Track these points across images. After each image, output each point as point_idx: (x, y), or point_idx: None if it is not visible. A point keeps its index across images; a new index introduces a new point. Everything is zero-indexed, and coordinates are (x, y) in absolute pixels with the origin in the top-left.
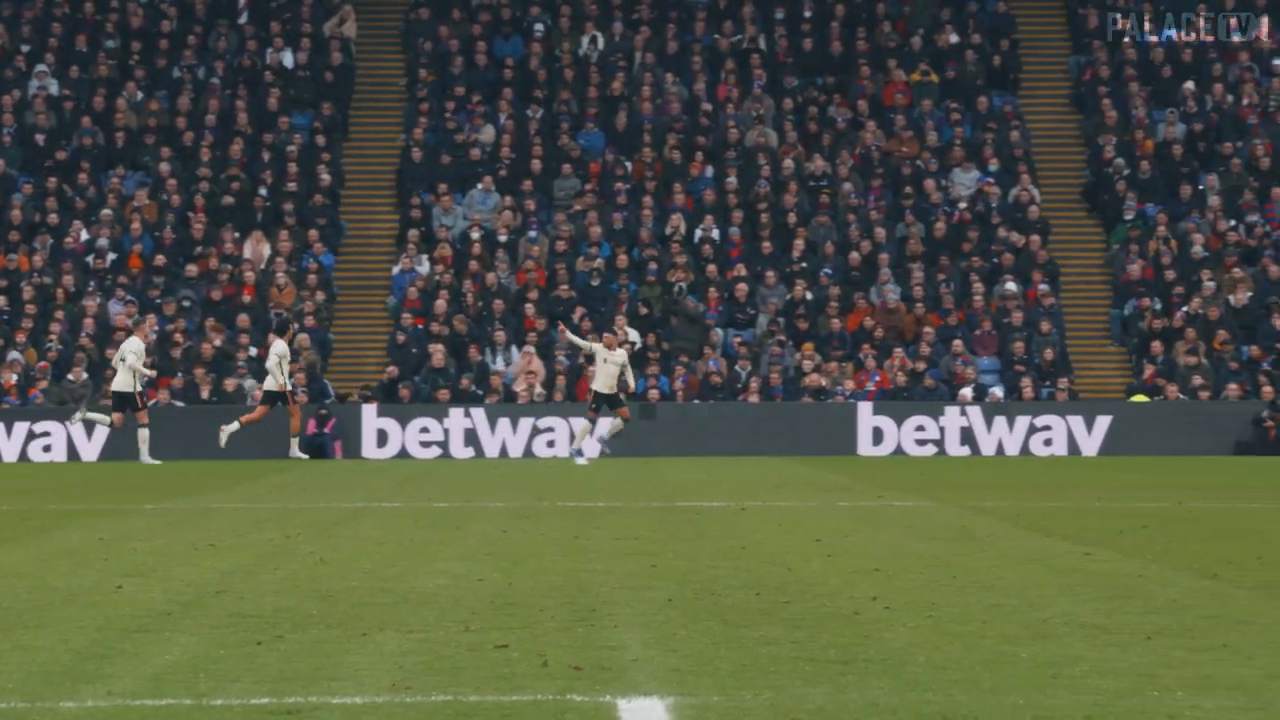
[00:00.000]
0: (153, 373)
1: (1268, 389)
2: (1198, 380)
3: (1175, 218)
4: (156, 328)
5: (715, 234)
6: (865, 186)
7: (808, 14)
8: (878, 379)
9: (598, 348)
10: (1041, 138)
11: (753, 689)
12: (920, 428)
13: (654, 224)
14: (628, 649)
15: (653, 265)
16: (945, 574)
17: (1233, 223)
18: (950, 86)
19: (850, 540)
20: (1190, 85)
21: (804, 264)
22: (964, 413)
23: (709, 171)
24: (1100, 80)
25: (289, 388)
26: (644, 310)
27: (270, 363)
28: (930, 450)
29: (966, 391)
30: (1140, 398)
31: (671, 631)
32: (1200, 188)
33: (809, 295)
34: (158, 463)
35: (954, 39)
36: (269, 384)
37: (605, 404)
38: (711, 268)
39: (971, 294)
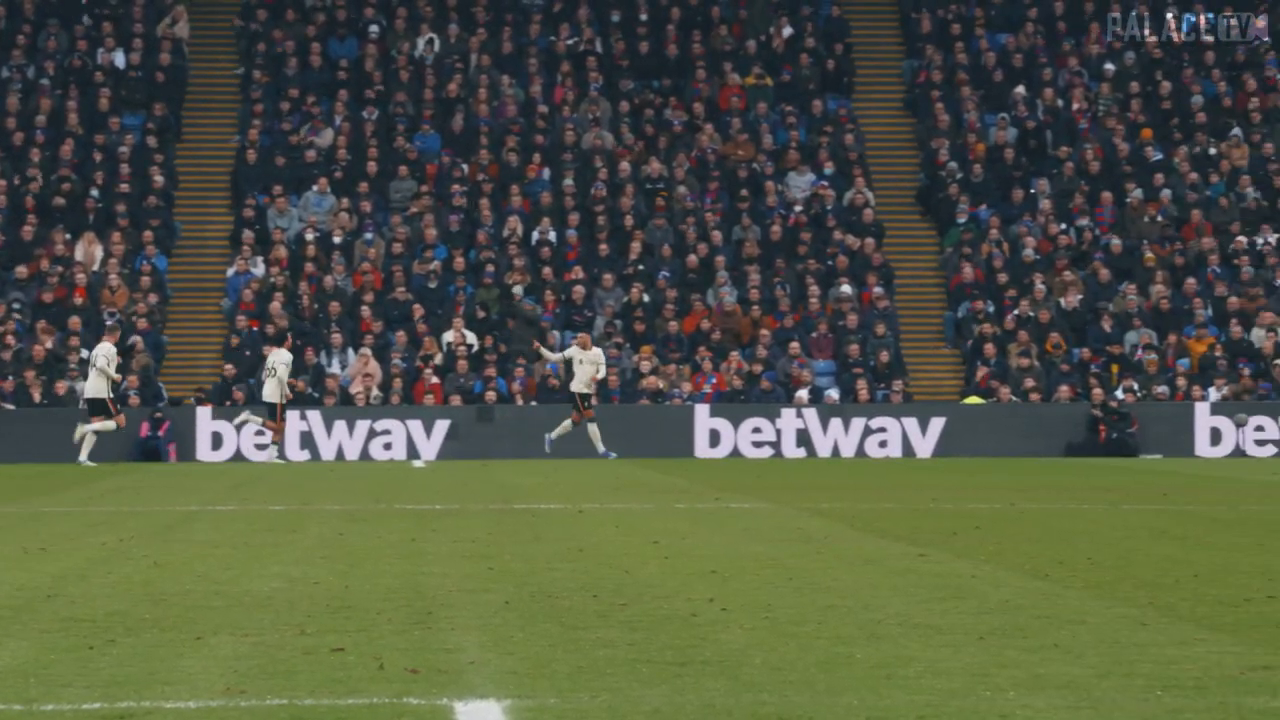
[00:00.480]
0: (119, 376)
1: (1098, 391)
2: (1029, 382)
3: (1007, 221)
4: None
5: (552, 236)
6: (702, 189)
7: (644, 17)
8: (714, 381)
9: (572, 351)
10: (875, 141)
11: (590, 691)
12: (757, 430)
13: (491, 226)
14: (465, 651)
15: (490, 268)
16: (781, 575)
17: (1063, 226)
18: (785, 90)
19: (687, 542)
20: (1021, 90)
21: (641, 266)
22: (800, 415)
23: (546, 174)
24: (933, 84)
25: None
26: (481, 313)
27: (267, 369)
28: (767, 452)
29: (803, 394)
30: (973, 400)
31: (508, 634)
32: (1031, 191)
33: (646, 298)
34: (94, 465)
35: (788, 30)
36: (268, 393)
37: (583, 402)
38: (548, 270)
39: (807, 296)
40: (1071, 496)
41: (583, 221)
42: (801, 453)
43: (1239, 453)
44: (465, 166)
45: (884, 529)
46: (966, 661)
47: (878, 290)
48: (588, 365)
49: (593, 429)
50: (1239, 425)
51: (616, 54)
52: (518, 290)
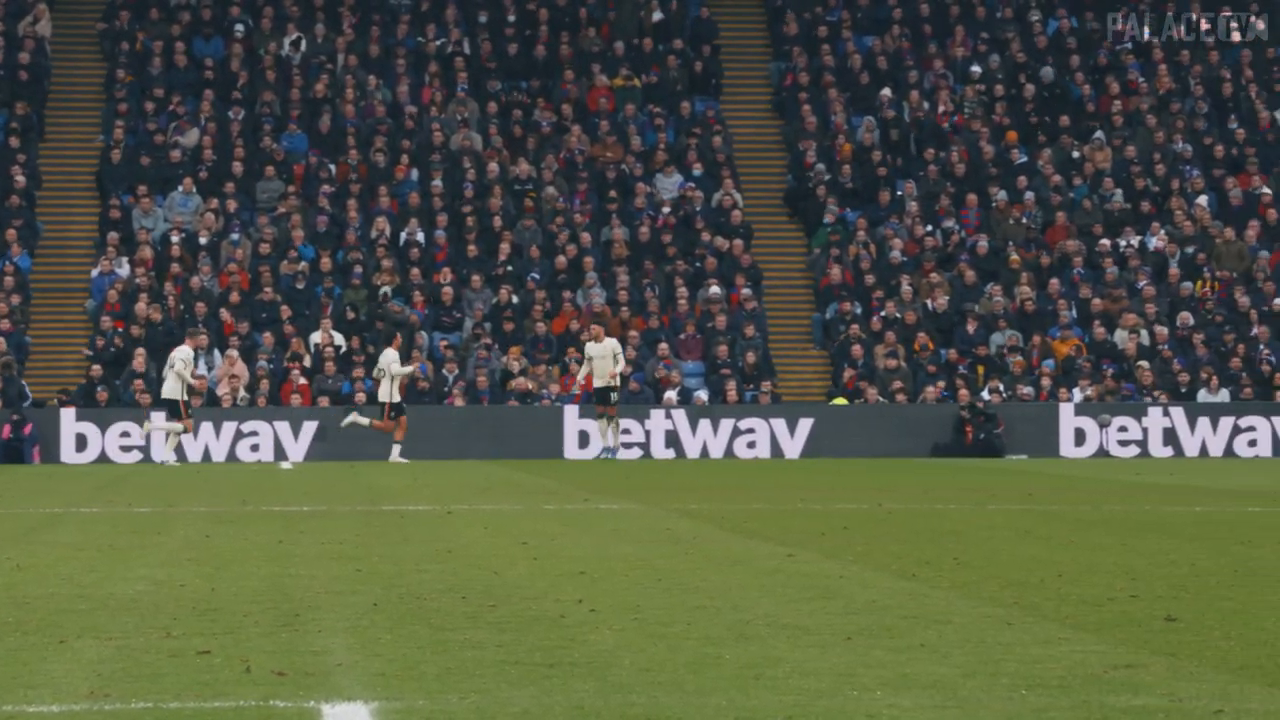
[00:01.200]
0: (199, 381)
1: (964, 392)
2: (897, 383)
3: (874, 223)
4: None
5: (421, 237)
6: (570, 190)
7: (511, 18)
8: (583, 382)
9: (588, 348)
10: (744, 143)
11: (458, 693)
12: (626, 431)
13: (359, 227)
14: (332, 654)
15: (358, 268)
16: (650, 576)
17: (930, 228)
18: (653, 91)
19: (556, 543)
20: (887, 92)
21: (510, 267)
22: (669, 415)
23: (414, 175)
24: (800, 86)
25: (395, 399)
26: (350, 314)
27: (378, 371)
28: (635, 453)
29: (671, 395)
30: (840, 401)
31: (376, 636)
32: (898, 193)
33: (515, 299)
34: (176, 463)
35: (658, 15)
36: (382, 394)
37: (604, 397)
38: (416, 271)
39: (676, 298)
40: (938, 497)
41: (451, 222)
42: (670, 453)
43: (1102, 453)
44: (333, 167)
45: (753, 529)
46: (834, 661)
47: (746, 291)
48: (603, 359)
49: (601, 424)
50: (1102, 426)
51: (484, 55)
52: (385, 291)
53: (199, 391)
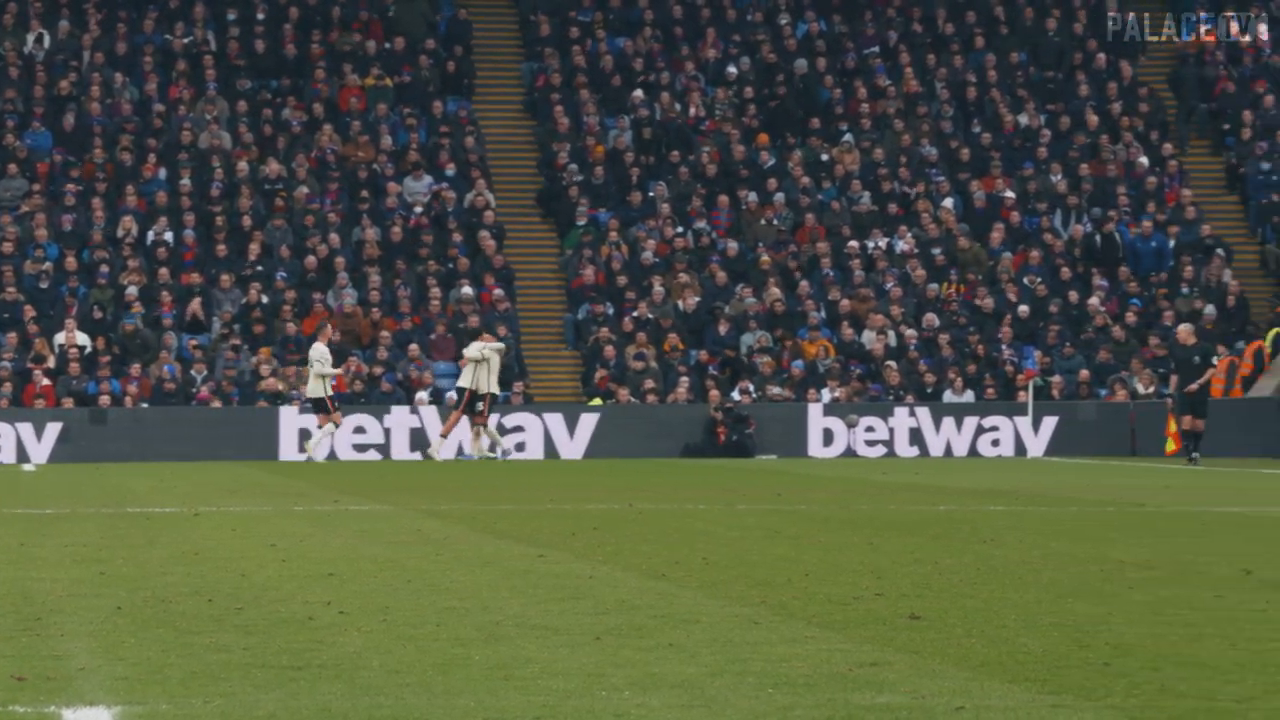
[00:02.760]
0: (338, 371)
1: (715, 392)
2: (648, 384)
3: (626, 223)
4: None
5: (169, 236)
6: (321, 190)
7: (260, 16)
8: (334, 383)
9: (476, 351)
10: (496, 143)
11: (203, 696)
12: (359, 430)
13: (105, 226)
14: (74, 658)
15: (104, 268)
16: (400, 578)
17: (681, 229)
18: (405, 91)
19: (305, 545)
20: (639, 93)
21: (259, 267)
22: (416, 414)
23: (162, 173)
24: (552, 87)
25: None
26: (97, 314)
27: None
28: (374, 455)
29: (423, 395)
30: (593, 401)
31: (120, 639)
32: (650, 194)
33: (264, 298)
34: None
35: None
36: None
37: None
38: (164, 270)
39: (428, 298)
40: (688, 497)
41: (200, 221)
42: (417, 455)
43: (850, 453)
44: (79, 165)
45: (503, 530)
46: (583, 661)
47: (498, 292)
48: (489, 365)
49: (478, 431)
50: (850, 426)
51: (232, 53)
52: (132, 291)
53: None
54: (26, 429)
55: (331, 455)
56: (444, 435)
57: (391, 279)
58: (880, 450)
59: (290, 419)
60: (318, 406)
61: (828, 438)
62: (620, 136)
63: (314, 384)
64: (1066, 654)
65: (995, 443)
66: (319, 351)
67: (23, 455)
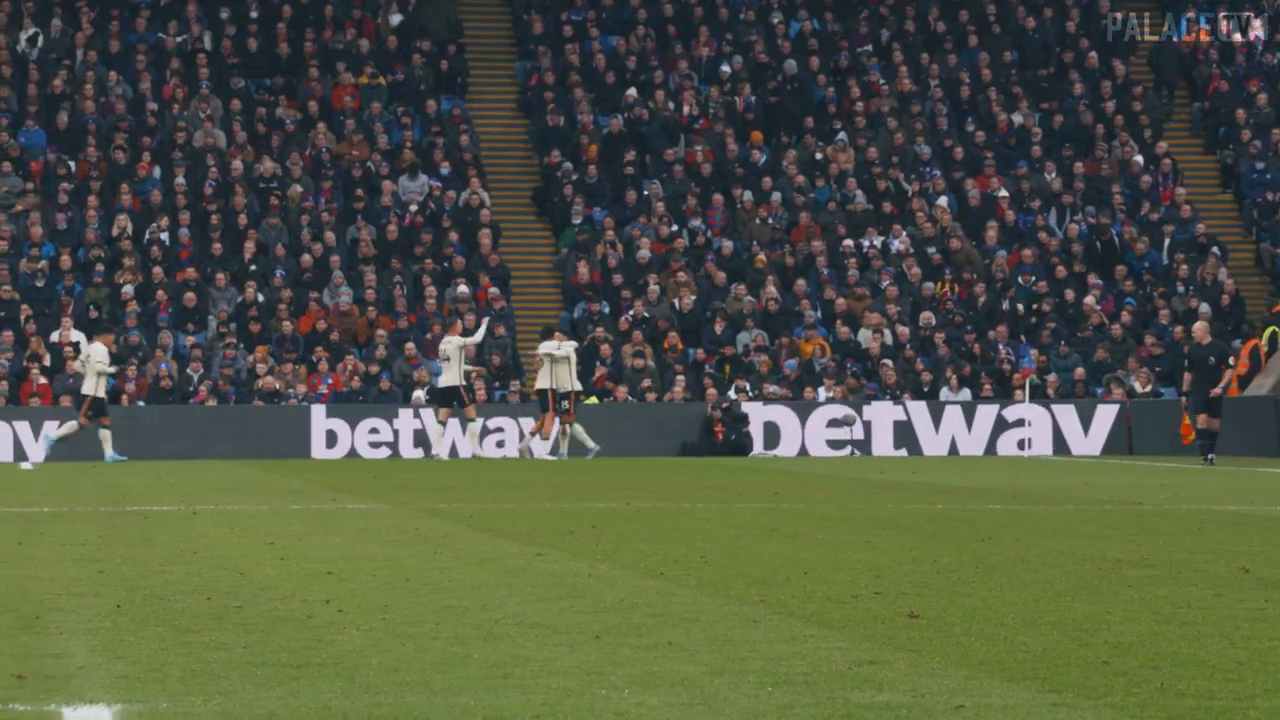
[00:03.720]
0: (481, 369)
1: (712, 391)
2: (645, 382)
3: (621, 222)
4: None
5: (165, 236)
6: (316, 188)
7: (254, 14)
8: (330, 381)
9: (548, 349)
10: (490, 142)
11: (203, 695)
12: (374, 430)
13: (100, 225)
14: (74, 656)
15: (100, 267)
16: (399, 576)
17: (676, 228)
18: (399, 89)
19: (304, 543)
20: (633, 92)
21: (255, 266)
22: (418, 415)
23: (156, 172)
24: (546, 85)
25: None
26: (92, 313)
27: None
28: (384, 452)
29: (419, 394)
30: (590, 399)
31: (120, 638)
32: (645, 193)
33: (260, 297)
34: (479, 452)
35: (397, 18)
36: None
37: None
38: (159, 269)
39: (424, 297)
40: (686, 495)
41: (195, 220)
42: (419, 453)
43: (847, 451)
44: (72, 164)
45: (501, 529)
46: (582, 660)
47: (494, 291)
48: (564, 362)
49: (563, 428)
50: (847, 425)
51: (226, 51)
52: (128, 290)
53: None
54: (24, 428)
55: (352, 452)
56: (545, 436)
57: (388, 278)
58: (876, 449)
59: (319, 419)
60: (449, 396)
61: (824, 437)
62: (614, 134)
63: (449, 373)
64: (1065, 652)
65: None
66: (454, 344)
67: (20, 454)
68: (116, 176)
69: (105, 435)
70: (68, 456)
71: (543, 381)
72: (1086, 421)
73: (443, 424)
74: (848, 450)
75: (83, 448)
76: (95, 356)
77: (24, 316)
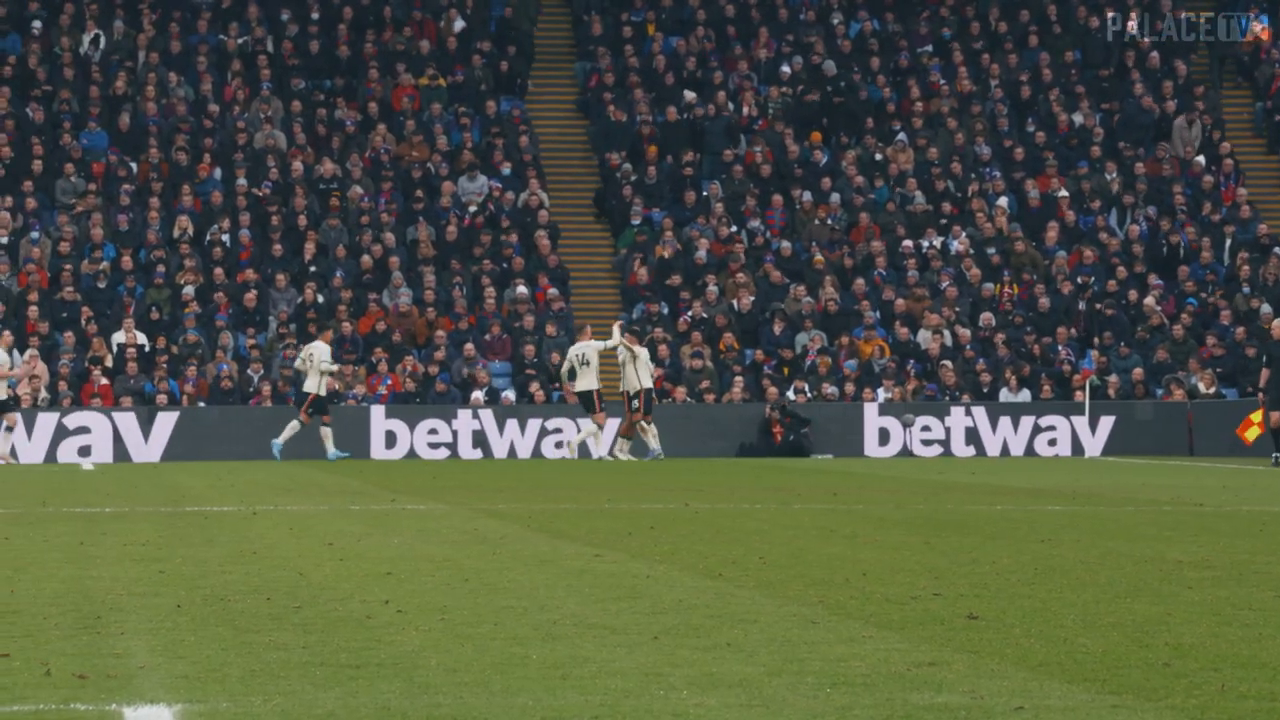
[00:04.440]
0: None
1: (772, 391)
2: (704, 383)
3: (680, 223)
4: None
5: (225, 237)
6: (376, 190)
7: (315, 16)
8: (390, 382)
9: (629, 351)
10: (550, 143)
11: (263, 695)
12: (433, 431)
13: (161, 226)
14: (134, 656)
15: (160, 268)
16: (457, 577)
17: (735, 228)
18: (458, 91)
19: (362, 544)
20: (692, 94)
21: (315, 267)
22: (476, 416)
23: (217, 173)
24: (605, 86)
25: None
26: (154, 314)
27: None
28: (443, 453)
29: (479, 395)
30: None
31: (180, 638)
32: (704, 194)
33: (320, 298)
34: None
35: (460, 24)
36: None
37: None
38: (220, 270)
39: (483, 298)
40: (744, 496)
41: (255, 221)
42: (478, 453)
43: (906, 453)
44: (134, 165)
45: (559, 530)
46: (640, 661)
47: (553, 292)
48: (644, 362)
49: (642, 427)
50: (906, 425)
51: (287, 53)
52: (188, 291)
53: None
54: (99, 423)
55: (411, 453)
56: (636, 435)
57: (447, 279)
58: (936, 450)
59: (379, 419)
60: (587, 401)
61: (884, 437)
62: (675, 135)
63: (585, 379)
64: (1126, 654)
65: (1052, 442)
66: (593, 348)
67: (82, 453)
68: (177, 178)
69: (326, 432)
70: (290, 454)
71: (627, 384)
72: (1093, 423)
73: (600, 427)
74: (905, 432)
75: (302, 446)
76: (319, 355)
77: (85, 318)
